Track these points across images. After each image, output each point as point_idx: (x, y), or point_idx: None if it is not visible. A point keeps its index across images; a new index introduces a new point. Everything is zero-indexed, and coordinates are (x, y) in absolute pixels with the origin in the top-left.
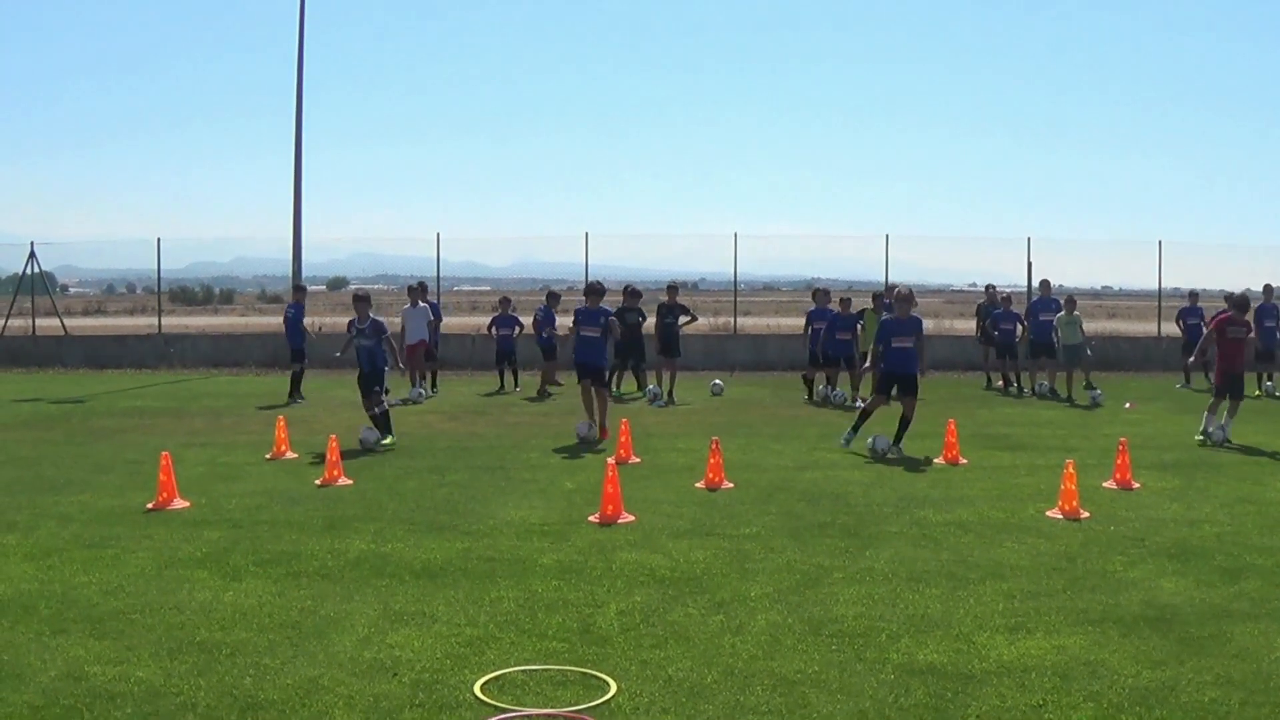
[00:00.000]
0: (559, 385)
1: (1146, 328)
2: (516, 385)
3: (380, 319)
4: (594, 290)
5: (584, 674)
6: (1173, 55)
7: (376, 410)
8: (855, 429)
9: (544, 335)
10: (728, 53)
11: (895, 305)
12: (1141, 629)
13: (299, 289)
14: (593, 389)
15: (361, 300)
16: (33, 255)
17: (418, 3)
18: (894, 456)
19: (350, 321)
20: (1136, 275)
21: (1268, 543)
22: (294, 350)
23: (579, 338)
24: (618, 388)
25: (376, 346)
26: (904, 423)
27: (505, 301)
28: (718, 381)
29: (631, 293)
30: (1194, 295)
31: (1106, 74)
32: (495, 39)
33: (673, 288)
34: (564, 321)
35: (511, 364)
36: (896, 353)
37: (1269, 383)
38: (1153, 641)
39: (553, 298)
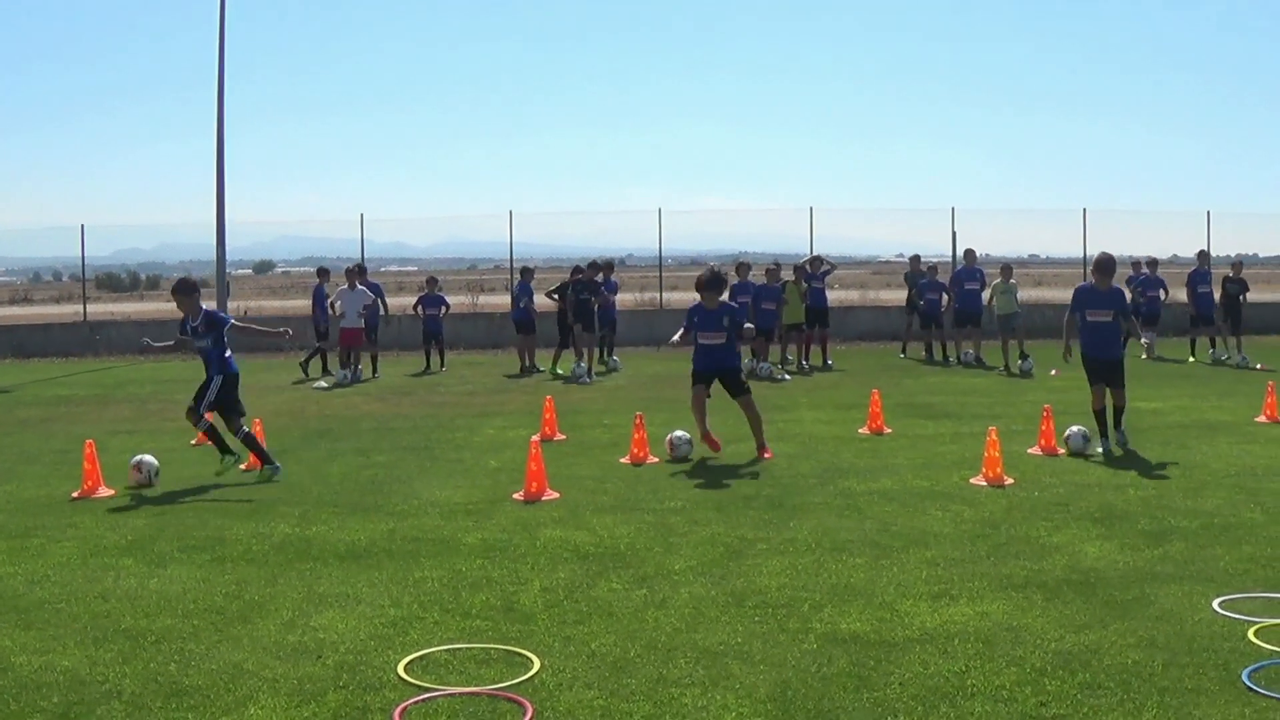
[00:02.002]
0: (538, 370)
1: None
2: (443, 365)
3: (215, 311)
4: (713, 284)
5: (507, 651)
6: (1097, 20)
7: (244, 431)
8: (1103, 434)
9: (520, 307)
10: (648, 25)
11: (1094, 274)
12: (1065, 593)
13: (324, 273)
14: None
15: (189, 289)
16: None
17: None
18: (1119, 450)
19: (184, 319)
20: (1062, 243)
21: (1192, 505)
22: (317, 330)
23: (699, 346)
24: (554, 364)
25: (214, 348)
26: (1116, 412)
27: (432, 281)
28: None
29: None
30: (1153, 264)
31: (1032, 39)
32: (412, 15)
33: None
34: (539, 299)
35: (438, 344)
36: (1092, 329)
37: (1213, 349)
38: (1076, 605)
39: (527, 273)
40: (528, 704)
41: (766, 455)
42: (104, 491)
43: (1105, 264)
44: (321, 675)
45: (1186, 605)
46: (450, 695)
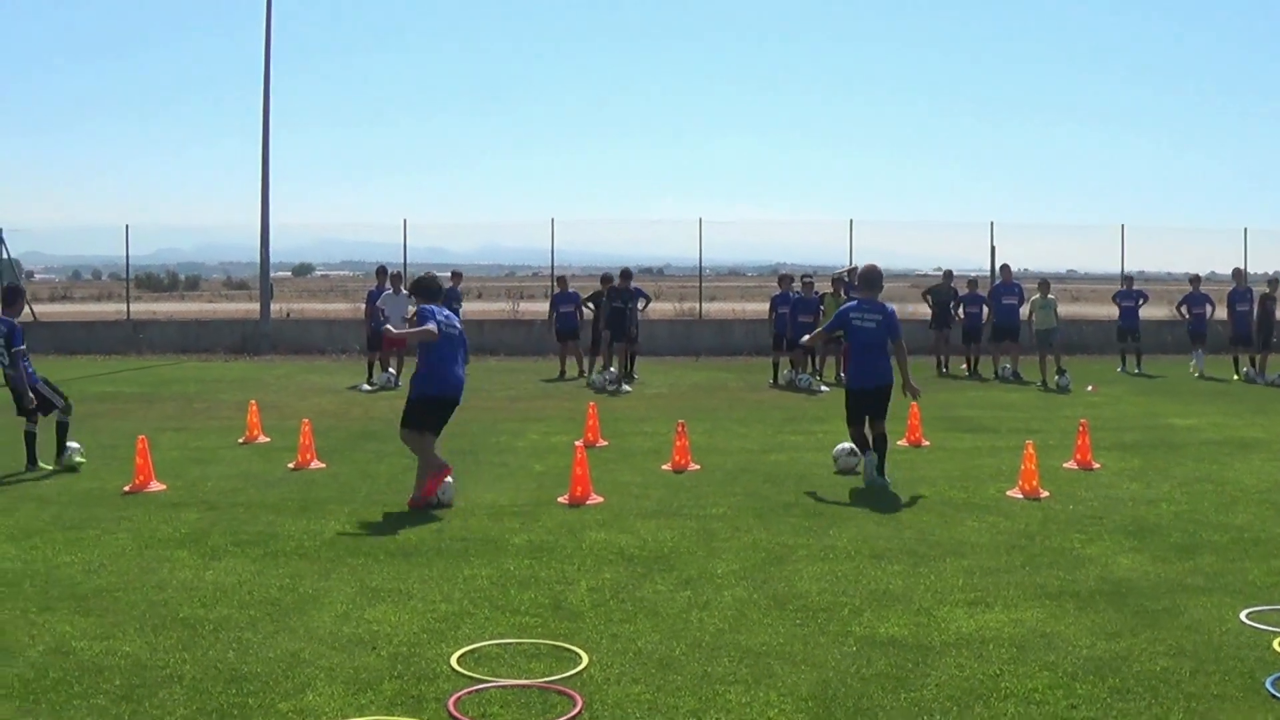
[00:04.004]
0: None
1: (1110, 311)
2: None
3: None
4: (418, 290)
5: (556, 647)
6: (1136, 36)
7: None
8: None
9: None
10: (693, 37)
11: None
12: (1097, 603)
13: (382, 273)
14: None
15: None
16: (1, 241)
17: None
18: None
19: (13, 325)
20: (1100, 259)
21: (1223, 520)
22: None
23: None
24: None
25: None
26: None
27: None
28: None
29: (607, 278)
30: (1196, 280)
31: (1071, 55)
32: (461, 22)
33: (626, 273)
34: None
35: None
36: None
37: (1249, 368)
38: (1108, 614)
39: (563, 281)
40: (578, 696)
41: (413, 501)
42: (155, 486)
43: (870, 277)
44: (377, 665)
45: (1215, 616)
46: (503, 687)
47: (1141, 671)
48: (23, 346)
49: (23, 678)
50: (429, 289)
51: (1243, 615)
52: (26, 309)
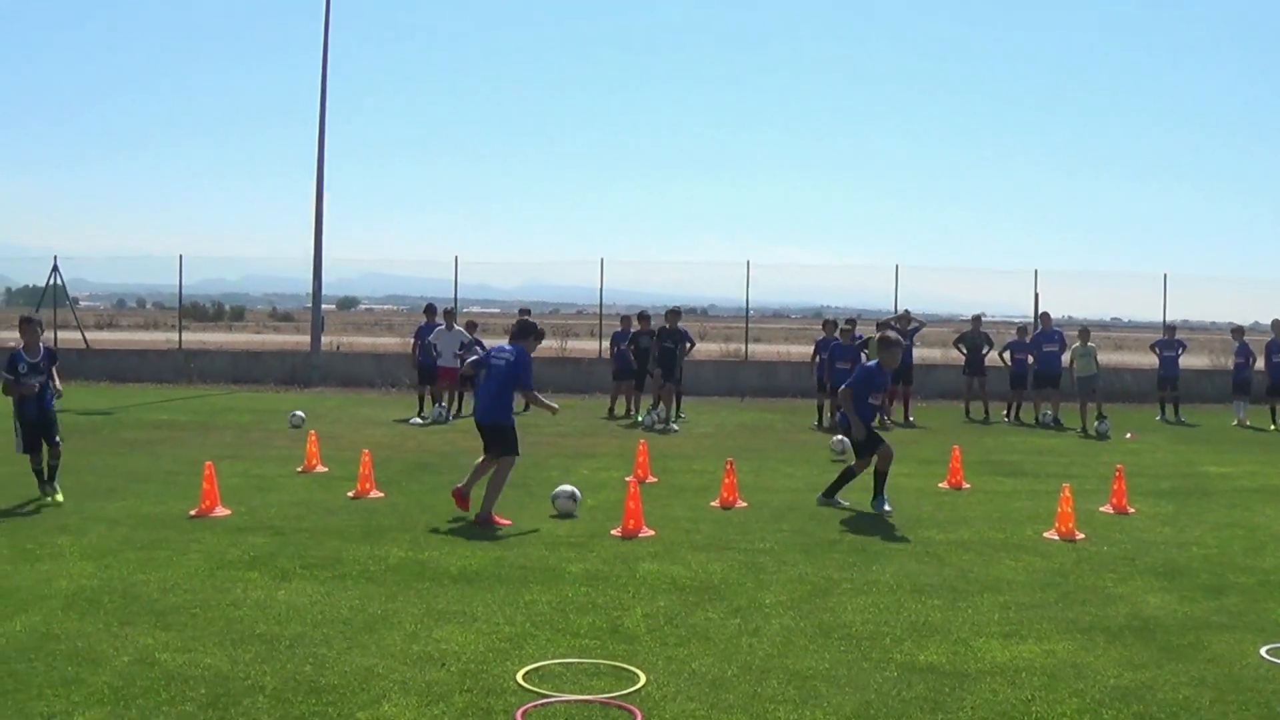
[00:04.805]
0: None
1: (1152, 360)
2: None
3: (51, 348)
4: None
5: (615, 667)
6: (1183, 85)
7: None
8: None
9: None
10: (742, 80)
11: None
12: (1126, 637)
13: (432, 310)
14: None
15: (31, 323)
16: (55, 269)
17: (434, 27)
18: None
19: (13, 354)
20: (1143, 307)
21: (1251, 563)
22: (423, 369)
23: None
24: (636, 410)
25: (47, 383)
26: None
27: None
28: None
29: (644, 316)
30: (1238, 331)
31: (1115, 104)
32: (512, 61)
33: (675, 312)
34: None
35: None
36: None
37: None
38: (1135, 648)
39: (626, 320)
40: (637, 711)
41: (498, 521)
42: (220, 511)
43: (880, 343)
44: (447, 680)
45: (1236, 651)
46: (567, 701)
47: (1165, 700)
48: (11, 378)
49: (111, 685)
50: (514, 329)
51: (1263, 651)
52: (79, 335)
